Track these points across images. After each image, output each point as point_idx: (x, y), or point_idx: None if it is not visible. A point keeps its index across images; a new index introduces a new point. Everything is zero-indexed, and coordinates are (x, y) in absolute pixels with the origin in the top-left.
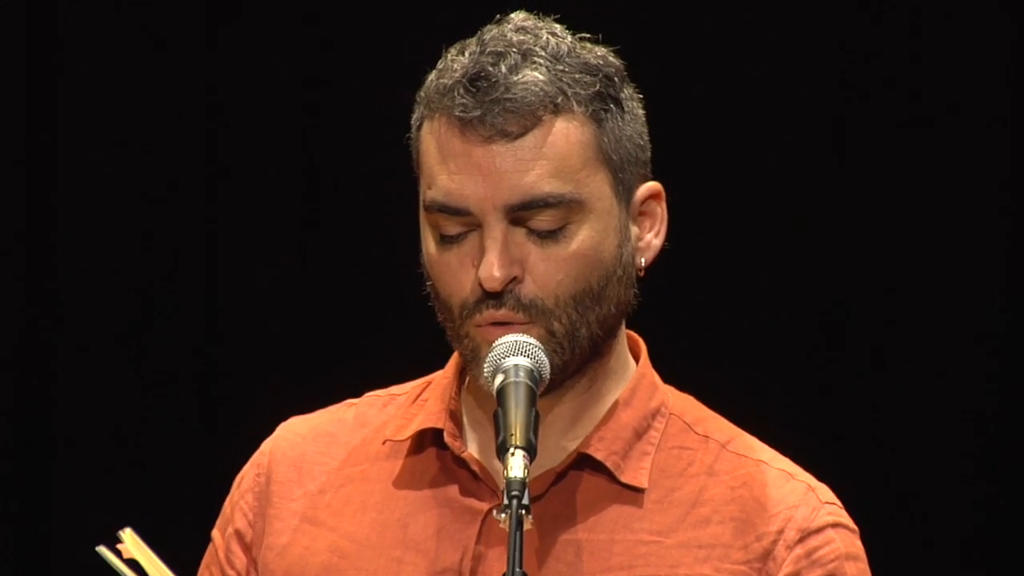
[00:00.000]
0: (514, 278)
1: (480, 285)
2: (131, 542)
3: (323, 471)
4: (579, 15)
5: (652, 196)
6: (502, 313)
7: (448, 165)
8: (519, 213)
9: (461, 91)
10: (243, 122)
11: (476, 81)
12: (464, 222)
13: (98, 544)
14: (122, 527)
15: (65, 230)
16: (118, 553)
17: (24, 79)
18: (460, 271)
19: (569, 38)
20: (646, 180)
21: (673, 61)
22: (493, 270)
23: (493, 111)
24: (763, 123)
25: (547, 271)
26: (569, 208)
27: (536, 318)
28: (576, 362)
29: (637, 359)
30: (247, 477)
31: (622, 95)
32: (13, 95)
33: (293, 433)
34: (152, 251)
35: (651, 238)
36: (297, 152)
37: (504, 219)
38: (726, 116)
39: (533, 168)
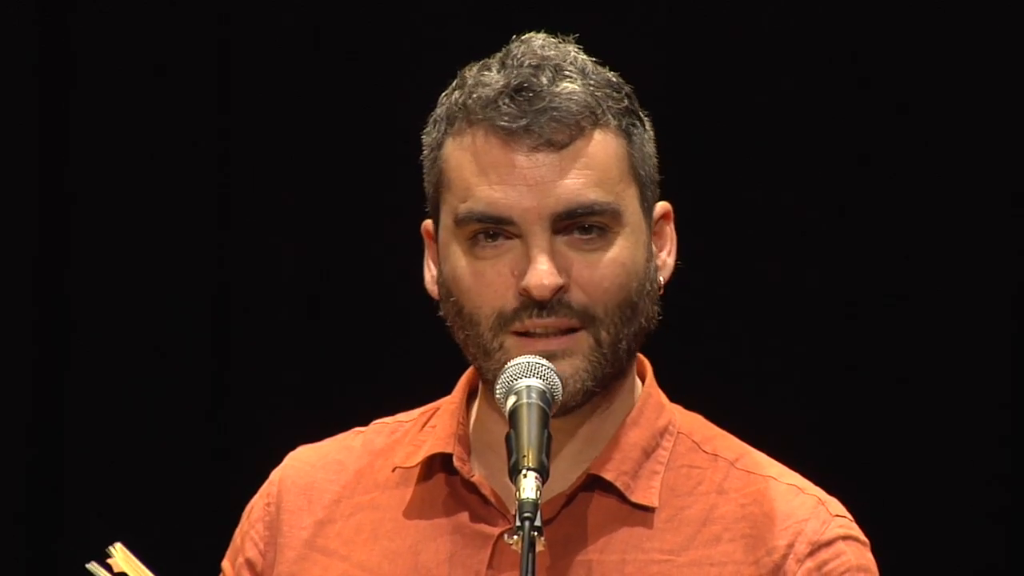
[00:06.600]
0: (560, 286)
1: (523, 294)
2: (121, 557)
3: (332, 498)
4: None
5: (663, 216)
6: (552, 320)
7: (489, 176)
8: (563, 222)
9: (507, 101)
10: (253, 160)
11: (520, 91)
12: (504, 232)
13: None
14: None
15: (77, 264)
16: (108, 568)
17: (37, 96)
18: (497, 281)
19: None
20: (657, 199)
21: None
22: (543, 278)
23: (539, 121)
24: (764, 143)
25: (592, 278)
26: (612, 218)
27: (587, 324)
28: (609, 377)
29: (642, 379)
30: (257, 507)
31: (642, 113)
32: (26, 110)
33: (302, 461)
34: (164, 277)
35: (665, 256)
36: (309, 185)
37: (548, 228)
38: (722, 134)
39: (577, 177)
